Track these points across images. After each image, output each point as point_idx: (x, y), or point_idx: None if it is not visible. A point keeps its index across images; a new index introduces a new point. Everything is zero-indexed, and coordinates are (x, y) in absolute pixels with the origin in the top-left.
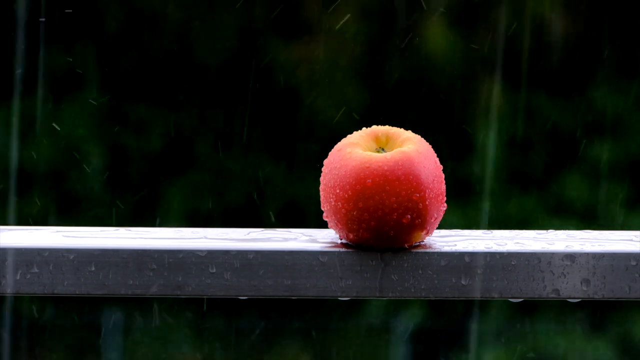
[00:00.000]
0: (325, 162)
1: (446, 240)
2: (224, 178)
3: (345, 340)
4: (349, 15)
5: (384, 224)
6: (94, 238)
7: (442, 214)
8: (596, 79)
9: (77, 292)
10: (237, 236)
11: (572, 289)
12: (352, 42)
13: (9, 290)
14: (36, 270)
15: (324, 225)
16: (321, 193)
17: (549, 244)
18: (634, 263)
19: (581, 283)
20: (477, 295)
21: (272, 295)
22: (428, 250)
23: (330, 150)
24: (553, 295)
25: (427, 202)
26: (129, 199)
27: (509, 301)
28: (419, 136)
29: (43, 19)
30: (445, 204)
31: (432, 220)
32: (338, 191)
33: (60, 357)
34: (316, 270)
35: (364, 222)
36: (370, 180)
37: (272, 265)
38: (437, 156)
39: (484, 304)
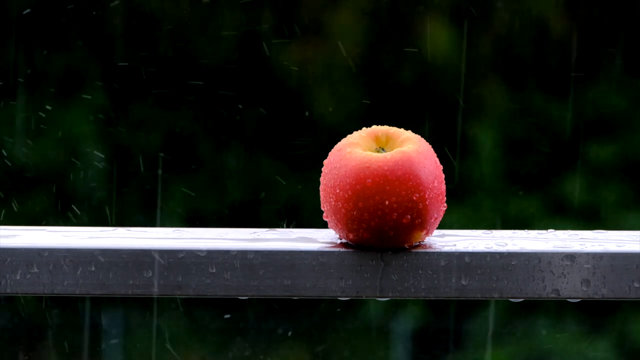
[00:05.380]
0: (325, 162)
1: (446, 240)
2: (224, 178)
3: (345, 340)
4: (349, 15)
5: (384, 224)
6: (94, 238)
7: (442, 214)
8: (596, 79)
9: (77, 292)
10: (237, 236)
11: (572, 289)
12: (353, 42)
13: (9, 290)
14: (36, 270)
15: (324, 225)
16: (321, 193)
17: (548, 244)
18: (634, 263)
19: (581, 283)
20: (477, 295)
21: (272, 295)
22: (428, 250)
23: (330, 150)
24: (553, 295)
25: (427, 202)
26: (129, 198)
27: (509, 301)
28: (419, 136)
29: (43, 19)
30: (445, 204)
31: (432, 221)
32: (338, 191)
33: (60, 357)
34: (316, 270)
35: (364, 222)
36: (370, 180)
37: (272, 265)
38: (437, 156)
39: (484, 304)
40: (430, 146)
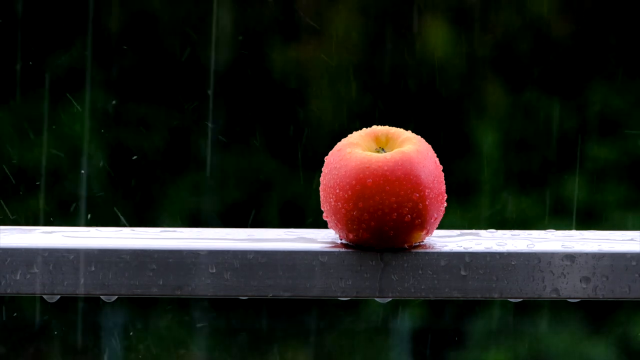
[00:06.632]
0: (325, 162)
1: (446, 240)
2: (224, 178)
3: (345, 340)
4: (348, 16)
5: (384, 224)
6: (94, 238)
7: (442, 214)
8: (596, 79)
9: (77, 292)
10: (237, 236)
11: (572, 289)
12: (352, 42)
13: (9, 290)
14: (36, 270)
15: (324, 225)
16: (321, 193)
17: (549, 244)
18: (634, 263)
19: (581, 283)
20: (477, 295)
21: (272, 296)
22: (428, 250)
23: (330, 150)
24: (553, 295)
25: (427, 202)
26: (129, 199)
27: (509, 301)
28: (419, 136)
29: (43, 18)
30: (445, 204)
31: (432, 220)
32: (338, 191)
33: (60, 357)
34: (316, 270)
35: (364, 222)
36: (370, 180)
37: (272, 265)
38: (437, 156)
39: (484, 304)
40: (430, 146)
